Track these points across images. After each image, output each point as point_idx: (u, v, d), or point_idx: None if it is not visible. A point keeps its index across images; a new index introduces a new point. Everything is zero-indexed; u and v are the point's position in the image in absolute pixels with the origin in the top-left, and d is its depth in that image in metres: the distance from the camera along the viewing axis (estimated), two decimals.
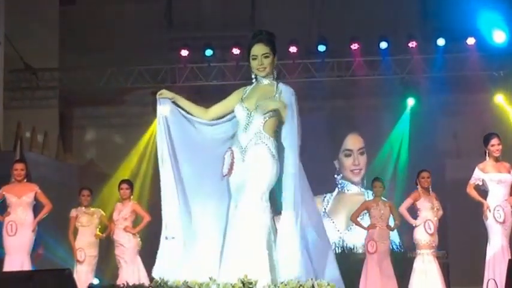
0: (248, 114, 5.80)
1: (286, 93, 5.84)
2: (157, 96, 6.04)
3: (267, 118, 5.77)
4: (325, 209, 12.72)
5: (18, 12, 13.61)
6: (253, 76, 5.98)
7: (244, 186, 5.70)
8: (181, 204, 5.86)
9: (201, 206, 5.93)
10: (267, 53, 5.86)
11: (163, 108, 6.00)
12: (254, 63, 5.90)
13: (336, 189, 12.69)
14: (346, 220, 11.96)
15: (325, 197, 12.77)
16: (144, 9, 14.23)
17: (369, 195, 12.71)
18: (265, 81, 5.92)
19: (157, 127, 6.00)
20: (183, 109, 6.03)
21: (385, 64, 13.93)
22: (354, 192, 12.35)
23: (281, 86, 5.90)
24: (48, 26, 14.35)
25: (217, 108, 6.05)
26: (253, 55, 5.90)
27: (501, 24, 13.44)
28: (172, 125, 5.97)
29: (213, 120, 6.01)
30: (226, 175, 5.79)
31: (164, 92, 6.07)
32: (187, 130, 6.01)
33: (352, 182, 12.57)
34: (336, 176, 12.98)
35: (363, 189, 13.12)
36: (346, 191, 12.49)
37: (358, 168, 12.61)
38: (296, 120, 5.76)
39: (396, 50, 13.90)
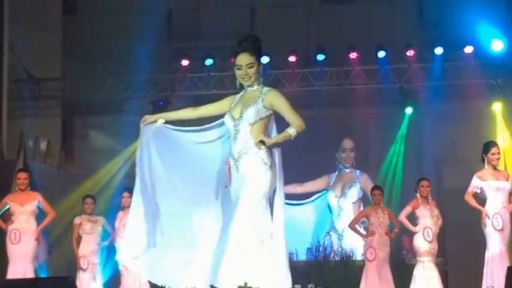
0: (235, 124, 5.76)
1: (268, 93, 5.79)
2: (141, 126, 6.02)
3: (252, 126, 5.72)
4: (329, 184, 13.87)
5: (21, 22, 13.67)
6: (237, 84, 5.93)
7: (240, 196, 5.66)
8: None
9: (193, 214, 5.97)
10: (251, 63, 5.78)
11: (146, 135, 6.01)
12: (238, 73, 5.83)
13: (337, 171, 13.91)
14: (342, 189, 13.51)
15: (330, 175, 13.94)
16: (144, 20, 14.28)
17: (357, 173, 13.60)
18: (251, 88, 5.85)
19: (138, 152, 6.01)
20: (172, 123, 6.04)
21: (383, 73, 13.93)
22: (348, 172, 13.72)
23: (265, 89, 5.83)
24: (51, 36, 14.39)
25: (210, 107, 6.08)
26: (237, 65, 5.82)
27: (499, 33, 13.50)
28: (156, 147, 6.00)
29: (203, 117, 6.06)
30: (227, 186, 5.77)
31: (146, 118, 6.04)
32: (174, 147, 6.03)
33: (346, 168, 13.79)
34: (336, 162, 14.13)
35: (353, 169, 13.83)
36: (343, 172, 13.79)
37: (349, 159, 13.76)
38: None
39: (394, 58, 13.89)
